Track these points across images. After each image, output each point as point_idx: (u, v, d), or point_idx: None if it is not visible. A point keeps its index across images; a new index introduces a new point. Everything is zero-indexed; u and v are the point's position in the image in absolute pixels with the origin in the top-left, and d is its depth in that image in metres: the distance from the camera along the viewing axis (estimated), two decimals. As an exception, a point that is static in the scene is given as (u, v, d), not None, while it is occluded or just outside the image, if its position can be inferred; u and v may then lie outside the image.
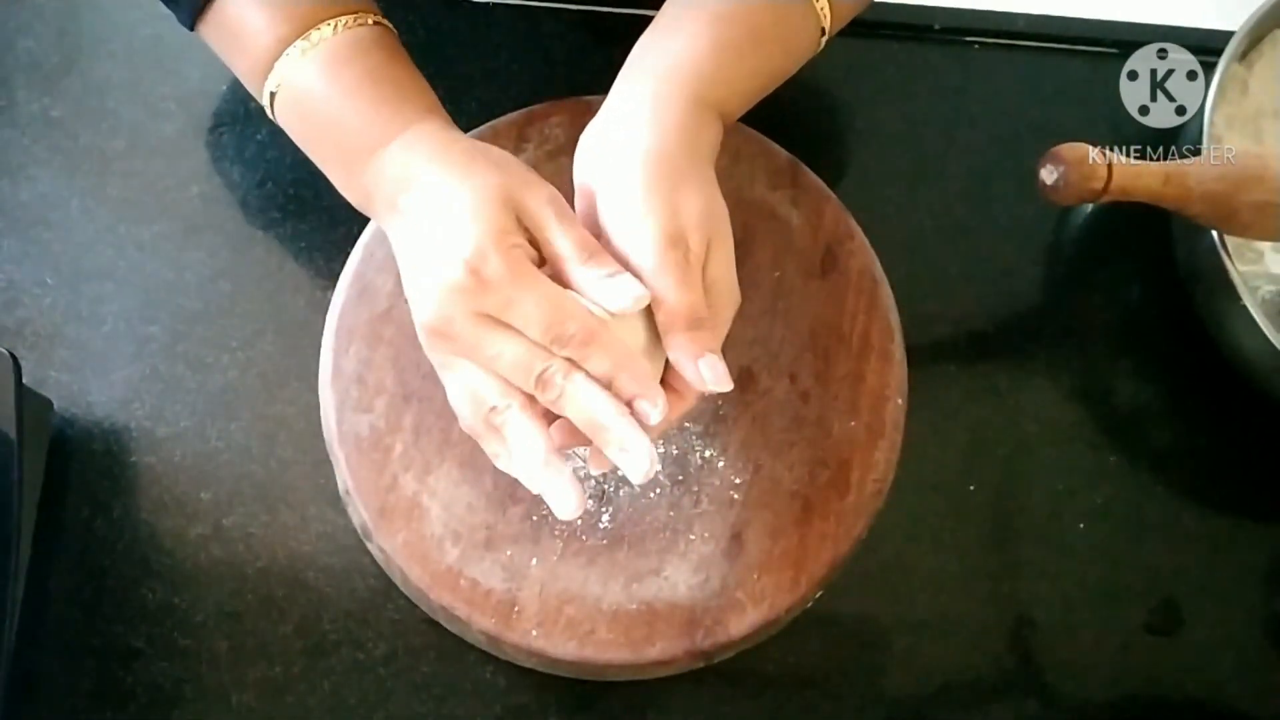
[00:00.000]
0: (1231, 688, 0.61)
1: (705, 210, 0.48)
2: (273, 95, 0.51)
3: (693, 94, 0.50)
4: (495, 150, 0.50)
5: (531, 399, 0.46)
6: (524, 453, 0.47)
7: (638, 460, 0.45)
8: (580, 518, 0.57)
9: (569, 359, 0.45)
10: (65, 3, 0.70)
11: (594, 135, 0.50)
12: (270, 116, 0.53)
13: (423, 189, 0.47)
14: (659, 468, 0.45)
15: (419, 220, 0.47)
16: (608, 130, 0.50)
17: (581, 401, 0.45)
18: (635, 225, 0.47)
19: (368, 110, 0.50)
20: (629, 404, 0.45)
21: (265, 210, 0.66)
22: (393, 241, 0.50)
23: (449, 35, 0.70)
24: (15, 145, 0.66)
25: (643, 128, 0.49)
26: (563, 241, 0.46)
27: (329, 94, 0.50)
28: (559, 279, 0.47)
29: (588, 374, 0.45)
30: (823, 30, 0.54)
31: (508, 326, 0.45)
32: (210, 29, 0.52)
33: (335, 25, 0.50)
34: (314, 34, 0.50)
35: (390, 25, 0.53)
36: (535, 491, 0.47)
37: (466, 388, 0.47)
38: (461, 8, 0.71)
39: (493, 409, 0.47)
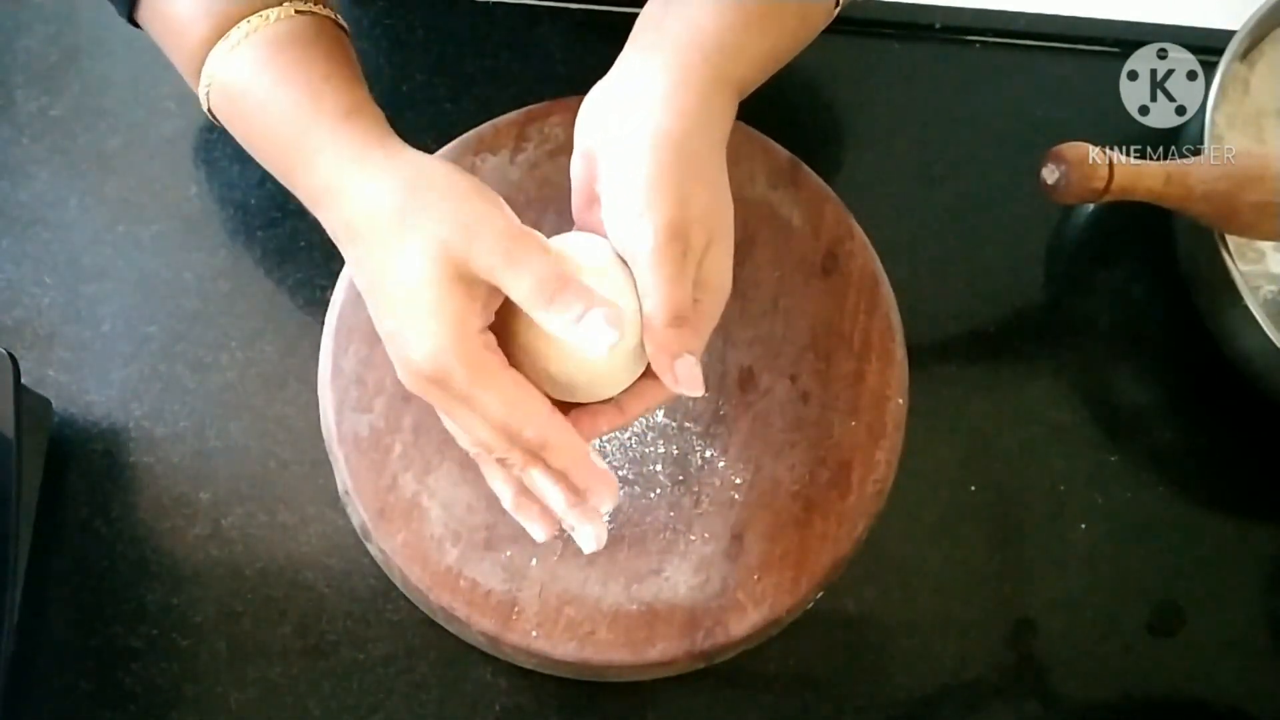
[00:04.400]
0: (1234, 688, 0.61)
1: (713, 204, 0.47)
2: (207, 92, 0.49)
3: (714, 70, 0.47)
4: (429, 172, 0.46)
5: None
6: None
7: (585, 540, 0.48)
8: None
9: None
10: (64, 2, 0.70)
11: (601, 102, 0.48)
12: (209, 116, 0.51)
13: (368, 249, 0.45)
14: (604, 541, 0.49)
15: (375, 288, 0.46)
16: (618, 99, 0.47)
17: (539, 488, 0.48)
18: (639, 212, 0.45)
19: (287, 110, 0.47)
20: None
21: (264, 209, 0.66)
22: (356, 282, 0.49)
23: (449, 35, 0.70)
24: (14, 144, 0.66)
25: (657, 105, 0.46)
26: (519, 287, 0.43)
27: (251, 92, 0.48)
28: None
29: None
30: (837, 1, 0.52)
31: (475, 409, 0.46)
32: (147, 20, 0.51)
33: (263, 18, 0.48)
34: (240, 27, 0.48)
35: (324, 11, 0.50)
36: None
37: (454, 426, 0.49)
38: (461, 7, 0.71)
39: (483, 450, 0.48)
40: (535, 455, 0.46)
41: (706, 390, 0.58)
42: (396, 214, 0.44)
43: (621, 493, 0.57)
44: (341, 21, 0.51)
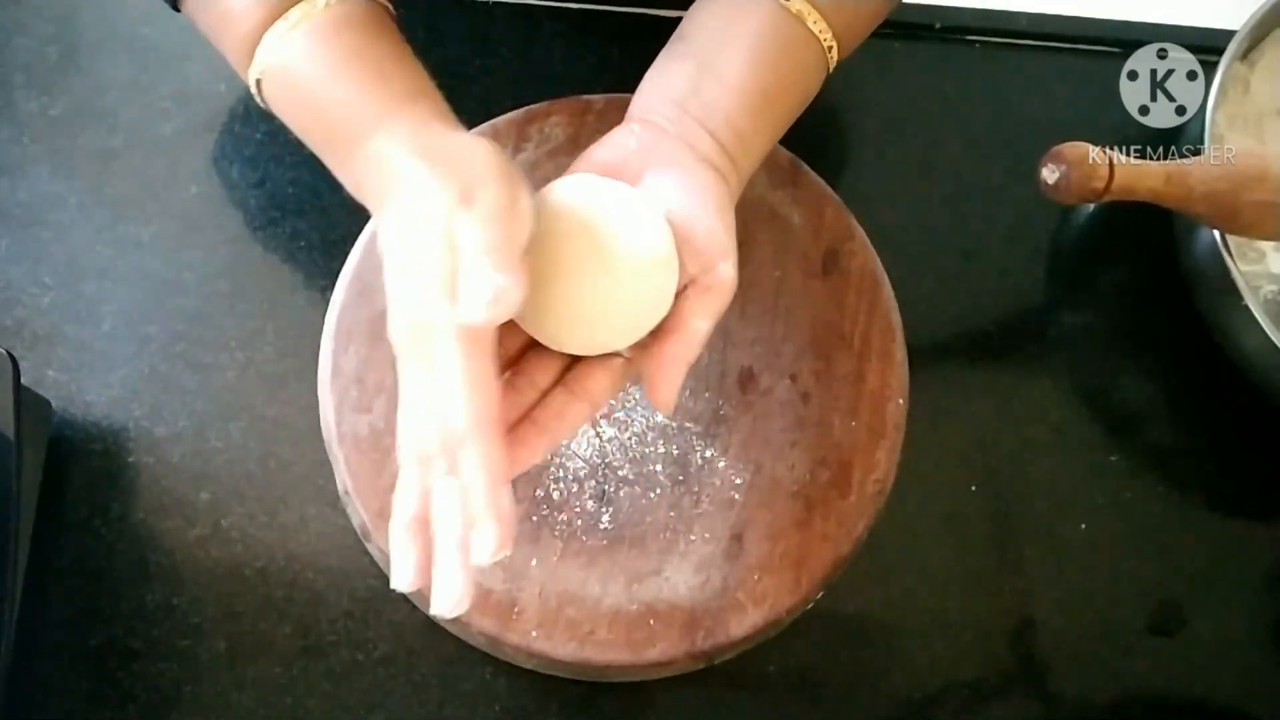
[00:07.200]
0: (1235, 688, 0.61)
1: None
2: (259, 78, 0.49)
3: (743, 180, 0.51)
4: (461, 146, 0.45)
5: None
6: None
7: (438, 597, 0.41)
8: (580, 517, 0.57)
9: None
10: (64, 2, 0.70)
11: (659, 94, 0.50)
12: (260, 102, 0.50)
13: (387, 207, 0.44)
14: (465, 608, 0.41)
15: (386, 244, 0.44)
16: (681, 174, 0.48)
17: (438, 509, 0.42)
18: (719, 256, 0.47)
19: (349, 94, 0.47)
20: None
21: (264, 209, 0.66)
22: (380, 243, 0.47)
23: (449, 34, 0.70)
24: (13, 144, 0.66)
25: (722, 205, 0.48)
26: (472, 234, 0.41)
27: (310, 76, 0.47)
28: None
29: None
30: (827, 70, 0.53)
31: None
32: (194, 9, 0.50)
33: (316, 3, 0.47)
34: (293, 12, 0.47)
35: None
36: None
37: None
38: (462, 7, 0.71)
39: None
40: (455, 463, 0.41)
41: (706, 389, 0.59)
42: (419, 181, 0.43)
43: (622, 493, 0.57)
44: (389, 6, 0.51)
